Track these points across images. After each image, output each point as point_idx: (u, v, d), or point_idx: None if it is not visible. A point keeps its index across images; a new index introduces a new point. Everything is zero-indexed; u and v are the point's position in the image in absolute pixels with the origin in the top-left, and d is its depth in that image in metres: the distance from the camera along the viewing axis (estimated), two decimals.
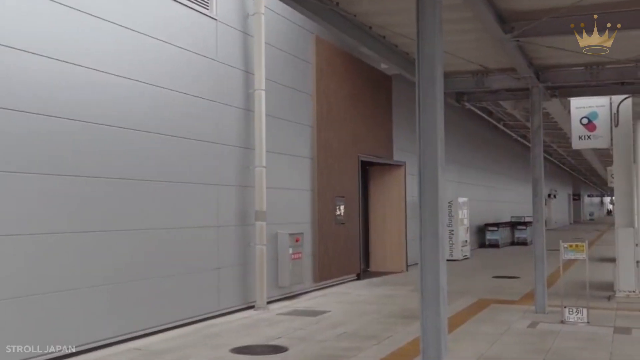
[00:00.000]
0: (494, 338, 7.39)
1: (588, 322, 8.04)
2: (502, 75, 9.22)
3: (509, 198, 31.08)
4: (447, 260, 16.69)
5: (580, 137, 10.79)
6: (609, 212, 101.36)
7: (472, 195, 21.60)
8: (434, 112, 4.33)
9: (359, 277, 13.30)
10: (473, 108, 21.78)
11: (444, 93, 9.32)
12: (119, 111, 7.35)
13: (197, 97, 8.67)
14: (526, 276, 13.82)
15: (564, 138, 28.62)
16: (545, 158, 41.78)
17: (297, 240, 10.62)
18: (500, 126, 26.05)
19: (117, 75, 7.34)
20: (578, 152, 37.04)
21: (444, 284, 4.32)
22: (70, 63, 6.71)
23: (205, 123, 8.84)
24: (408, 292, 11.33)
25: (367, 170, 15.20)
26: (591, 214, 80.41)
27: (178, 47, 8.35)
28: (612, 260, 18.23)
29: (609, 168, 33.48)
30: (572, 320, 8.12)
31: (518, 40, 6.99)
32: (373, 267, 15.17)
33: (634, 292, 10.07)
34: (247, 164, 9.64)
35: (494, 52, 8.22)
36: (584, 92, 10.09)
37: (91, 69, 6.97)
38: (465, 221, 18.91)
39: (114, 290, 7.09)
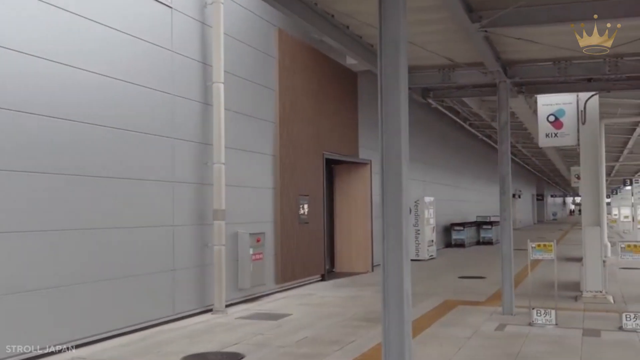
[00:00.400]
0: (460, 342, 7.09)
1: (556, 324, 7.82)
2: (469, 70, 8.97)
3: (475, 198, 31.15)
4: (413, 260, 16.43)
5: (547, 135, 10.62)
6: (572, 212, 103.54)
7: (438, 195, 21.45)
8: (397, 102, 3.99)
9: (323, 278, 12.93)
10: (439, 107, 21.68)
11: (409, 88, 9.03)
12: (65, 102, 6.82)
13: (151, 88, 8.18)
14: (492, 276, 13.65)
15: (529, 138, 28.77)
16: (510, 158, 41.79)
17: (258, 241, 10.20)
18: (467, 126, 26.04)
19: (64, 64, 6.81)
20: (542, 153, 37.41)
21: (407, 287, 3.97)
22: (11, 49, 6.17)
23: (159, 116, 8.35)
24: (373, 294, 11.00)
25: (332, 168, 14.85)
26: (554, 214, 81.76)
27: (131, 35, 7.85)
28: (578, 259, 18.32)
29: (572, 168, 33.94)
30: (541, 322, 7.88)
31: (486, 31, 6.70)
32: (338, 268, 14.83)
33: (600, 292, 9.92)
34: (205, 160, 9.18)
35: (461, 45, 7.94)
36: (550, 88, 9.93)
37: (35, 56, 6.45)
38: (432, 221, 18.72)
39: (55, 295, 6.56)
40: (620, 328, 7.62)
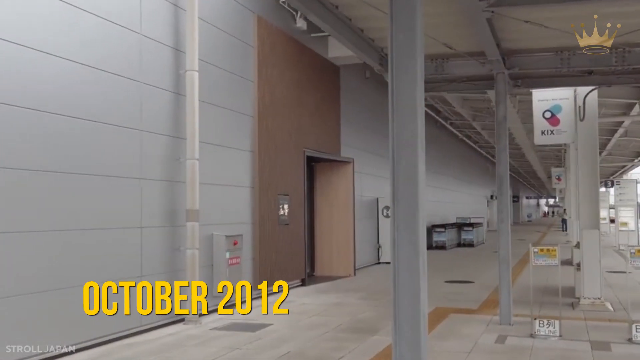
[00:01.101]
0: (460, 357, 6.41)
1: (560, 336, 7.19)
2: (465, 60, 8.30)
3: (454, 199, 30.69)
4: None
5: (542, 132, 10.03)
6: (546, 214, 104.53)
7: None
8: (413, 72, 3.24)
9: (303, 283, 12.18)
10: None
11: None
12: (16, 87, 5.97)
13: (117, 74, 7.35)
14: (480, 280, 13.06)
15: (510, 139, 28.43)
16: (488, 160, 41.89)
17: (235, 243, 9.42)
18: (447, 125, 25.56)
19: (17, 44, 5.97)
20: (521, 154, 37.15)
21: (424, 310, 3.24)
22: None
23: (126, 106, 7.53)
24: (358, 300, 10.30)
25: (312, 167, 14.11)
26: (529, 216, 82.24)
27: (94, 14, 7.01)
28: (563, 263, 17.81)
29: (553, 169, 33.71)
30: (543, 333, 7.25)
31: (492, 12, 6.04)
32: (319, 272, 14.09)
33: (599, 299, 9.35)
34: (178, 156, 8.37)
35: (460, 30, 7.30)
36: (548, 82, 9.35)
37: None
38: None
39: (5, 305, 5.71)
40: (630, 340, 7.02)
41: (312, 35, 12.77)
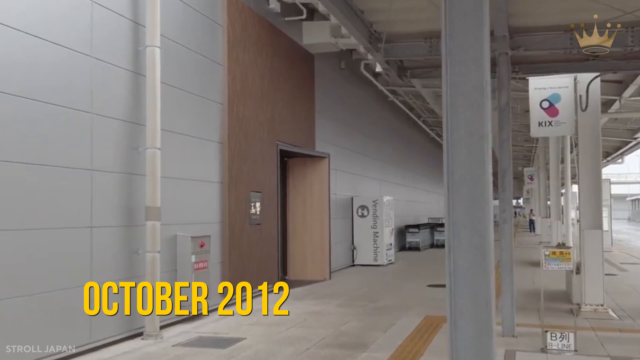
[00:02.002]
0: None
1: (576, 351, 6.33)
2: None
3: (426, 199, 30.00)
4: (371, 265, 14.77)
5: (540, 124, 9.18)
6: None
7: (393, 195, 19.99)
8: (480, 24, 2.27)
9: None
10: (395, 100, 20.30)
11: (387, 62, 7.37)
12: None
13: (61, 46, 6.20)
14: None
15: None
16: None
17: (202, 245, 8.33)
18: (420, 122, 24.83)
19: None
20: (493, 154, 36.71)
21: (491, 325, 2.29)
22: None
23: (73, 84, 6.38)
24: (339, 308, 9.31)
25: (285, 162, 13.09)
26: (495, 216, 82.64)
27: None
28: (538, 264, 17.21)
29: (526, 169, 33.36)
30: (556, 347, 6.38)
31: None
32: (291, 275, 13.07)
33: (601, 305, 8.57)
34: (136, 145, 7.25)
35: None
36: (548, 69, 8.56)
37: None
38: (391, 222, 17.20)
39: None
40: None
41: (286, 19, 11.75)
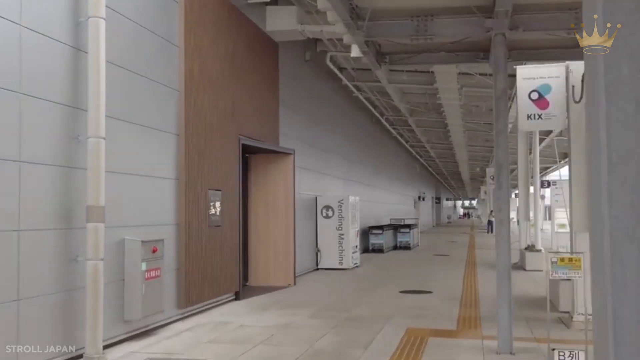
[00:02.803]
0: None
1: None
2: (456, 17, 6.55)
3: (388, 199, 29.32)
4: (336, 269, 13.81)
5: (529, 117, 8.42)
6: (464, 216, 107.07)
7: (357, 195, 19.16)
8: None
9: (237, 297, 10.09)
10: (360, 96, 19.49)
11: (366, 43, 6.46)
12: None
13: None
14: (438, 289, 11.47)
15: (444, 137, 27.39)
16: (416, 159, 40.91)
17: (154, 251, 7.25)
18: (383, 120, 24.13)
19: None
20: (450, 154, 36.48)
21: None
22: None
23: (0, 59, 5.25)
24: (310, 320, 8.35)
25: (246, 158, 12.05)
26: (449, 217, 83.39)
27: None
28: (514, 267, 16.67)
29: (488, 169, 33.07)
30: None
31: None
32: (253, 281, 12.04)
33: None
34: (76, 133, 6.13)
35: None
36: (544, 55, 7.82)
37: None
38: (356, 224, 16.35)
39: None
40: None
41: (249, 1, 10.75)
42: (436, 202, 66.89)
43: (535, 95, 8.45)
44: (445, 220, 75.36)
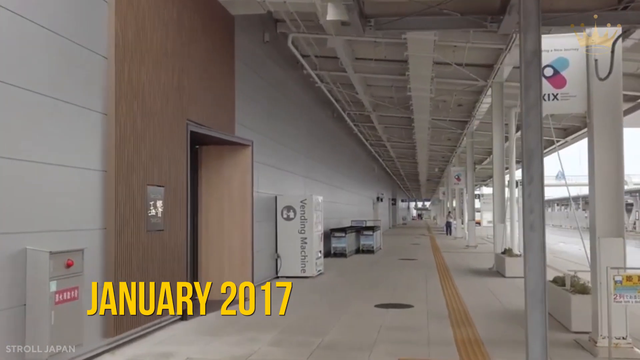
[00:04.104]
0: None
1: None
2: None
3: (348, 200, 27.80)
4: (298, 277, 11.84)
5: (543, 97, 7.01)
6: (418, 217, 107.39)
7: (319, 194, 17.53)
8: None
9: (184, 317, 8.30)
10: (322, 87, 17.92)
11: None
12: None
13: None
14: (418, 302, 9.96)
15: (408, 134, 26.08)
16: (375, 159, 39.61)
17: (69, 265, 5.44)
18: (345, 116, 22.63)
19: None
20: (411, 154, 35.27)
21: None
22: None
23: None
24: (275, 348, 6.65)
25: (196, 150, 10.26)
26: (404, 219, 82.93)
27: None
28: (487, 272, 15.38)
29: (453, 168, 31.97)
30: None
31: None
32: (203, 295, 10.22)
33: (624, 338, 6.45)
34: None
35: None
36: (564, 20, 6.33)
37: None
38: (320, 226, 14.70)
39: None
40: None
41: None
42: (392, 204, 66.02)
43: (549, 72, 7.04)
44: (400, 222, 74.62)
